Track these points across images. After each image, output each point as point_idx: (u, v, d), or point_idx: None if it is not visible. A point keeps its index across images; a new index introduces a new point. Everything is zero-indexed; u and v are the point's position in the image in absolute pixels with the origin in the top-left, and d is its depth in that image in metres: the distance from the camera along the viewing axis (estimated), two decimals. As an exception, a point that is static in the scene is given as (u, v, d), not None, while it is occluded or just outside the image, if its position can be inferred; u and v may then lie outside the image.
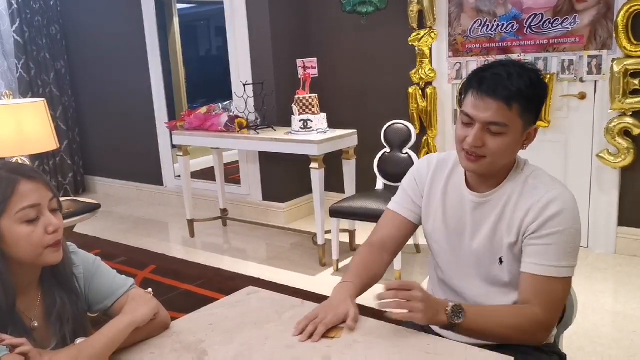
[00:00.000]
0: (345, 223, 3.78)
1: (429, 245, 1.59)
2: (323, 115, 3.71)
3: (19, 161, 2.87)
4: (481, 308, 1.40)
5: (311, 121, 3.64)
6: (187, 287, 3.49)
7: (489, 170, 1.40)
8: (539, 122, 3.34)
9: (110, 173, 5.85)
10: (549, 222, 1.34)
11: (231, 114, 4.15)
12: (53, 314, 1.30)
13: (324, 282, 3.45)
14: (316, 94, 3.69)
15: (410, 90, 4.05)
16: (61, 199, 3.13)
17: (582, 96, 3.50)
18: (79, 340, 1.22)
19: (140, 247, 4.27)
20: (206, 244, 4.33)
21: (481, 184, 1.45)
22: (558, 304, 1.37)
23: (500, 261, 1.42)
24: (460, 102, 3.84)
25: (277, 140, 3.69)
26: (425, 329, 1.42)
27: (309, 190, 3.68)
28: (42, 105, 2.86)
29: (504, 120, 1.33)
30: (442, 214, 1.52)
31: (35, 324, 1.28)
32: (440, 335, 1.36)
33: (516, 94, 1.32)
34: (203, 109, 4.26)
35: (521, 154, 1.47)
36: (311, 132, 3.63)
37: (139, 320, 1.27)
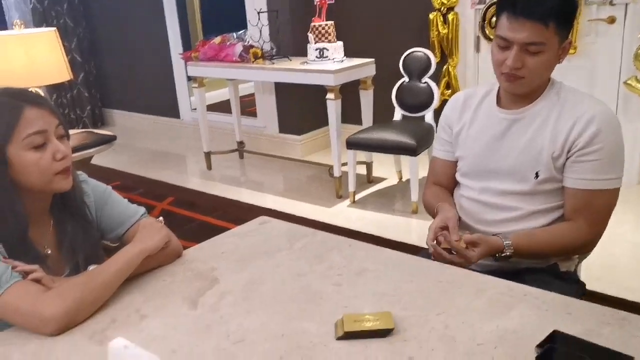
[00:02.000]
0: (362, 155, 3.74)
1: (459, 164, 1.60)
2: (340, 44, 3.60)
3: (37, 91, 2.85)
4: (526, 235, 1.43)
5: (327, 50, 3.53)
6: (205, 219, 3.53)
7: (528, 89, 1.42)
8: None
9: (128, 106, 5.83)
10: (595, 138, 1.36)
11: (246, 44, 4.04)
12: (65, 242, 1.30)
13: (341, 214, 3.45)
14: (333, 22, 3.57)
15: (430, 16, 3.89)
16: (77, 131, 3.14)
17: (611, 20, 3.32)
18: (91, 268, 1.23)
19: (159, 179, 4.30)
20: (223, 177, 4.34)
21: (515, 102, 1.47)
22: (605, 217, 1.41)
23: (537, 175, 1.43)
24: (482, 26, 3.67)
25: (292, 71, 3.60)
26: None
27: (326, 123, 3.62)
28: (53, 34, 2.80)
29: (541, 39, 1.33)
30: (473, 134, 1.53)
31: (49, 252, 1.28)
32: None
33: (551, 12, 1.31)
34: (217, 39, 4.15)
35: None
36: (327, 62, 3.53)
37: (149, 248, 1.27)
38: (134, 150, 5.14)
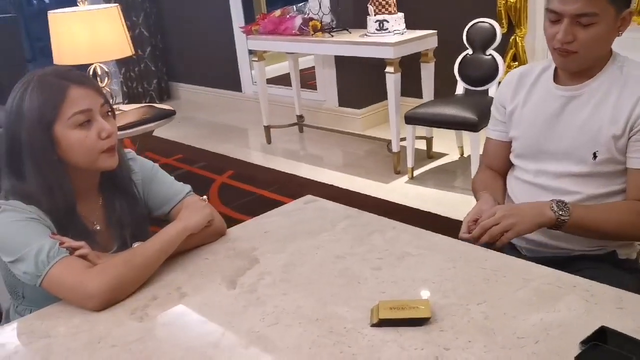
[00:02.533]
0: (422, 130, 3.66)
1: (513, 144, 1.52)
2: (400, 15, 3.50)
3: (98, 69, 2.94)
4: (587, 205, 1.35)
5: (388, 22, 3.44)
6: (263, 193, 3.56)
7: (584, 65, 1.34)
8: (634, 18, 2.97)
9: (192, 79, 5.94)
10: None
11: (306, 16, 4.00)
12: (113, 219, 1.34)
13: (398, 190, 3.40)
14: (393, -7, 3.46)
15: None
16: (138, 105, 3.23)
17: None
18: (135, 245, 1.26)
19: (219, 152, 4.37)
20: (282, 151, 4.36)
21: (573, 78, 1.38)
22: None
23: (595, 156, 1.34)
24: None
25: (351, 44, 3.54)
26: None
27: (387, 96, 3.55)
28: (115, 10, 2.87)
29: (593, 9, 1.25)
30: (528, 114, 1.46)
31: (98, 228, 1.33)
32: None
33: None
34: (277, 12, 4.14)
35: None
36: (387, 34, 3.44)
37: (192, 227, 1.28)
38: (197, 123, 5.25)
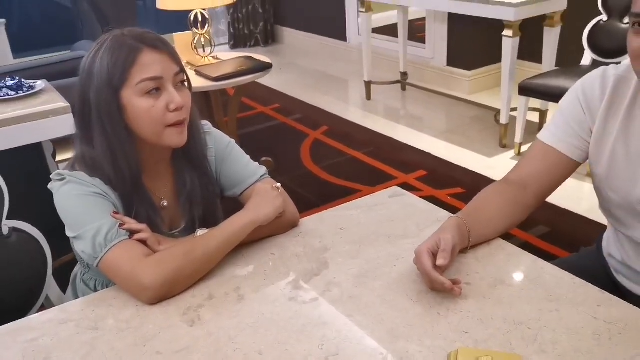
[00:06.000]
0: (536, 102, 3.31)
1: (598, 191, 1.19)
2: (528, -29, 3.10)
3: (199, 15, 2.86)
4: None
5: (512, -22, 3.07)
6: (355, 154, 3.41)
7: None
8: None
9: (299, 25, 5.78)
10: None
11: (421, -34, 3.69)
12: (183, 195, 1.25)
13: (501, 166, 3.12)
14: (523, -56, 3.07)
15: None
16: (234, 55, 3.13)
17: None
18: (199, 233, 1.16)
19: (317, 105, 4.24)
20: (382, 109, 4.16)
21: None
22: None
23: None
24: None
25: (468, 1, 3.21)
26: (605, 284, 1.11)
27: (501, 58, 3.22)
28: (219, -45, 2.74)
29: None
30: (621, 154, 1.11)
31: (165, 204, 1.24)
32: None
33: None
34: (390, -40, 3.84)
35: None
36: (510, -7, 3.08)
37: (261, 219, 1.16)
38: (299, 70, 5.12)
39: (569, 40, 3.33)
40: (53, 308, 1.08)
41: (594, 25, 3.05)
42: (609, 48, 3.00)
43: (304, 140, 3.65)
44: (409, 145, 3.47)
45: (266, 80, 4.37)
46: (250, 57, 2.97)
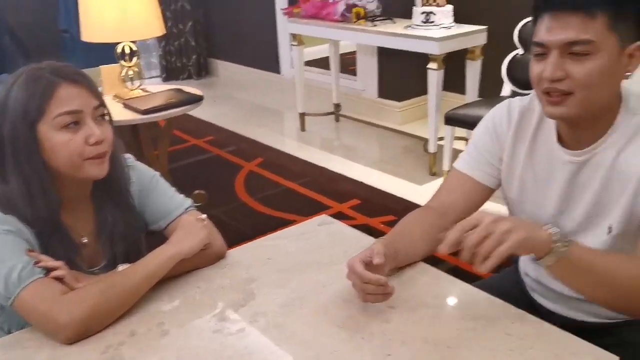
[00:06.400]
0: (462, 131, 3.44)
1: (512, 215, 1.26)
2: (449, 8, 3.27)
3: (127, 48, 2.83)
4: (597, 250, 1.08)
5: (434, 15, 3.23)
6: (290, 185, 3.43)
7: (584, 113, 1.04)
8: None
9: (232, 57, 5.81)
10: None
11: (349, 2, 3.81)
12: (104, 232, 1.22)
13: (432, 192, 3.17)
14: (443, -17, 3.24)
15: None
16: (164, 87, 3.11)
17: None
18: (120, 268, 1.14)
19: (252, 137, 4.24)
20: (317, 140, 4.21)
21: (579, 138, 1.10)
22: None
23: (610, 230, 1.09)
24: None
25: (394, 35, 3.34)
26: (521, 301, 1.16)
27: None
28: (147, -12, 2.74)
29: (587, 36, 0.98)
30: (529, 180, 1.19)
31: (85, 241, 1.21)
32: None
33: None
34: (320, -5, 3.95)
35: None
36: (433, 28, 3.23)
37: (185, 252, 1.15)
38: (233, 102, 5.13)
39: (489, 72, 3.50)
40: (-38, 353, 1.02)
41: (512, 59, 3.22)
42: (526, 79, 3.13)
43: (238, 172, 3.63)
44: (343, 175, 3.52)
45: (199, 112, 4.35)
46: (180, 90, 2.95)
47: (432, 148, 3.39)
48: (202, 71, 5.95)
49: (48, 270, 1.06)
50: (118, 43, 2.83)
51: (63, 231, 1.15)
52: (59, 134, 1.08)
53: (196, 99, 2.84)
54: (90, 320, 1.01)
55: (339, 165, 3.67)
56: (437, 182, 3.33)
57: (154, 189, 1.28)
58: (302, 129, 4.32)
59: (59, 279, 1.06)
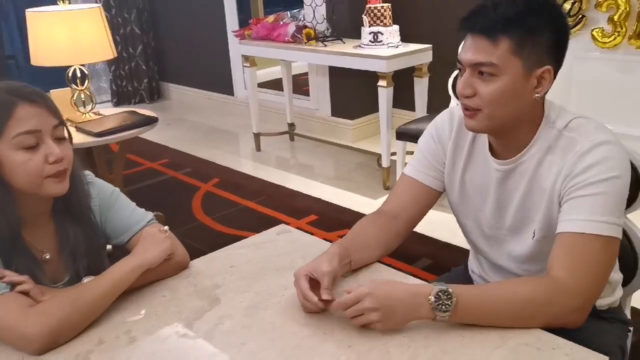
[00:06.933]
0: (413, 146, 3.56)
1: (457, 218, 1.36)
2: (396, 28, 3.41)
3: (78, 70, 2.83)
4: (481, 285, 1.18)
5: (382, 34, 3.36)
6: (248, 204, 3.46)
7: (493, 127, 1.14)
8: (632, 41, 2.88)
9: (184, 80, 5.83)
10: (586, 172, 1.07)
11: (300, 23, 3.91)
12: (66, 248, 1.23)
13: (386, 206, 3.30)
14: (389, 4, 3.38)
15: None
16: (119, 110, 3.12)
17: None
18: (85, 280, 1.16)
19: (207, 158, 4.26)
20: (272, 159, 4.26)
21: (505, 148, 1.19)
22: (592, 269, 1.05)
23: (534, 234, 1.18)
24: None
25: (344, 55, 3.45)
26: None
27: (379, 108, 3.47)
28: (97, 11, 2.76)
29: (490, 59, 1.07)
30: (468, 185, 1.28)
31: (47, 257, 1.22)
32: None
33: (502, 25, 1.06)
34: (271, 18, 4.04)
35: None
36: (381, 47, 3.35)
37: (148, 262, 1.18)
38: (187, 125, 5.14)
39: (436, 89, 3.65)
40: None
41: (457, 75, 3.38)
42: (471, 94, 3.32)
43: (195, 193, 3.64)
44: (300, 192, 3.58)
45: (153, 136, 4.35)
46: (134, 112, 2.96)
47: (385, 163, 3.49)
48: (154, 95, 5.94)
49: (13, 285, 1.07)
50: (68, 67, 2.83)
51: (25, 248, 1.17)
52: (18, 153, 1.10)
53: (150, 120, 2.86)
54: (58, 332, 1.03)
55: (295, 183, 3.73)
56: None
57: (115, 204, 1.31)
58: (258, 149, 4.37)
59: (25, 293, 1.07)
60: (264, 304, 1.15)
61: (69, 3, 2.81)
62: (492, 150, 1.23)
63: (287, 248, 1.38)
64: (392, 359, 0.97)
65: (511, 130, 1.15)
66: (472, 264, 1.40)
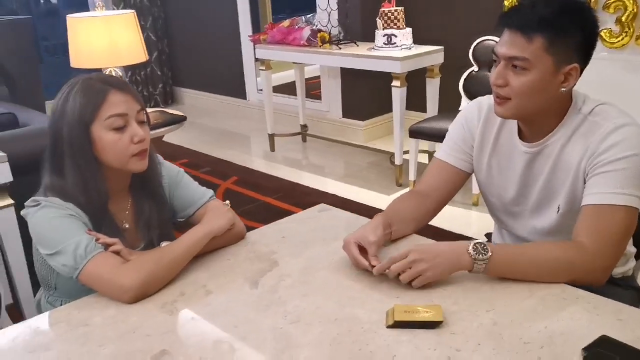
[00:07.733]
0: (425, 144, 3.74)
1: (484, 197, 1.54)
2: (408, 30, 3.60)
3: (112, 72, 3.02)
4: (512, 245, 1.33)
5: (395, 37, 3.54)
6: (267, 200, 3.64)
7: (520, 115, 1.31)
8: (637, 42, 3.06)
9: (197, 85, 6.02)
10: (609, 151, 1.22)
11: (314, 27, 4.10)
12: (142, 219, 1.41)
13: (400, 201, 3.47)
14: (402, 8, 3.56)
15: (506, 2, 3.80)
16: (151, 110, 3.30)
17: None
18: (163, 244, 1.33)
19: (224, 159, 4.44)
20: (286, 159, 4.44)
21: (533, 132, 1.34)
22: (613, 235, 1.20)
23: (558, 209, 1.34)
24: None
25: (358, 57, 3.63)
26: None
27: (390, 109, 3.64)
28: (132, 17, 2.95)
29: (524, 54, 1.21)
30: (494, 168, 1.44)
31: (127, 226, 1.40)
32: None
33: (537, 24, 1.19)
34: (286, 23, 4.23)
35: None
36: (395, 49, 3.54)
37: (215, 230, 1.36)
38: (202, 128, 5.32)
39: (447, 89, 3.84)
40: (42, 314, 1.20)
41: (467, 75, 3.56)
42: (481, 94, 3.47)
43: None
44: (315, 189, 3.75)
45: (172, 137, 4.52)
46: (163, 111, 3.15)
47: (398, 160, 3.66)
48: (168, 99, 6.12)
49: (107, 246, 1.25)
50: (101, 69, 3.01)
51: (110, 218, 1.35)
52: (109, 133, 1.28)
53: (180, 119, 3.04)
54: (147, 284, 1.20)
55: (309, 181, 3.91)
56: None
57: (181, 182, 1.49)
58: (272, 149, 4.55)
59: (116, 253, 1.25)
60: (317, 266, 1.32)
61: (104, 9, 2.99)
62: (521, 134, 1.38)
63: (330, 223, 1.55)
64: (435, 301, 1.14)
65: (538, 117, 1.30)
66: (496, 236, 1.58)
